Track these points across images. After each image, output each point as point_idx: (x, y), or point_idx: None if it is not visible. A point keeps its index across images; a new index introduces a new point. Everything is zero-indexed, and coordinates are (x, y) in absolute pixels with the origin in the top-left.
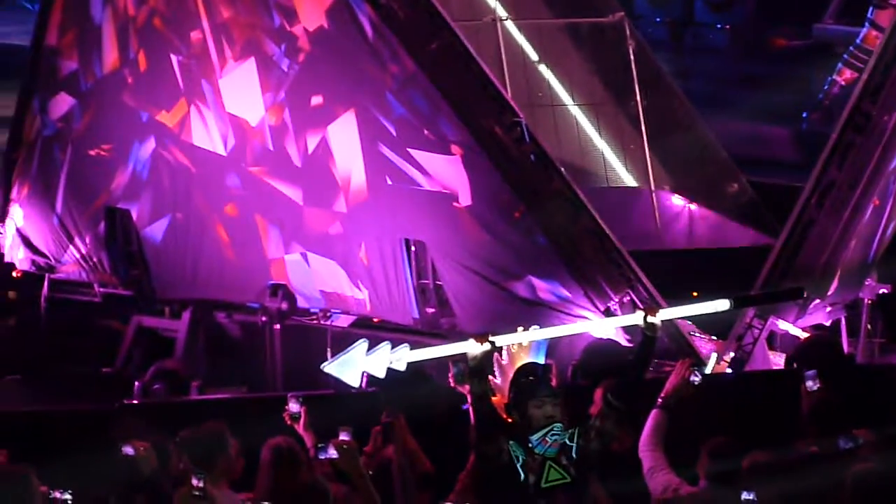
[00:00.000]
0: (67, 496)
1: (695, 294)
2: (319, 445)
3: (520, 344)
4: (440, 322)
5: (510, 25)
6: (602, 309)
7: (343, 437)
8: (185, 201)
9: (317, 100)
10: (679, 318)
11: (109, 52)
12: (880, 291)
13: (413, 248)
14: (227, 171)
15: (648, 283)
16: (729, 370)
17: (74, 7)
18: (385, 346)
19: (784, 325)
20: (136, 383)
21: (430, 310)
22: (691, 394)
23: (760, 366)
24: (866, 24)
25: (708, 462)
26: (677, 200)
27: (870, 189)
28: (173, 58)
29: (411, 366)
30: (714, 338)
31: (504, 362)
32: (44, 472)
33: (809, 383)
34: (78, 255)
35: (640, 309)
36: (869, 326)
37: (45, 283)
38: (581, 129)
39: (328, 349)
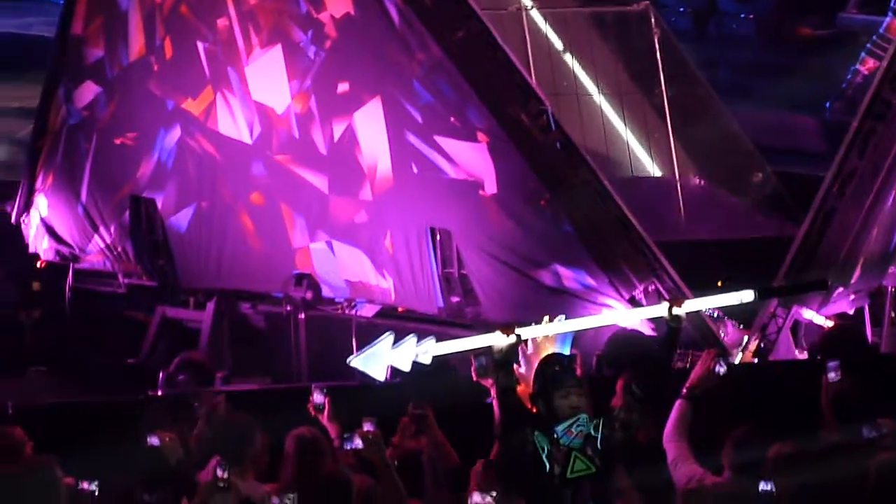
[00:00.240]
0: (94, 487)
1: (720, 284)
2: (345, 436)
3: (546, 335)
4: (465, 311)
5: (535, 14)
6: (627, 297)
7: (367, 427)
8: (210, 190)
9: (343, 87)
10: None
11: (135, 40)
12: None
13: (438, 237)
14: (253, 159)
15: (674, 272)
16: (754, 360)
17: None
18: (411, 340)
19: (808, 315)
20: (161, 374)
21: (455, 299)
22: (716, 385)
23: (784, 355)
24: (889, 13)
25: (732, 452)
26: (702, 190)
27: (891, 177)
28: (200, 45)
29: (436, 359)
30: (741, 326)
31: (529, 352)
32: (70, 464)
33: (832, 374)
34: (102, 245)
35: (665, 299)
36: (893, 314)
37: (70, 274)
38: (606, 119)
39: (353, 340)
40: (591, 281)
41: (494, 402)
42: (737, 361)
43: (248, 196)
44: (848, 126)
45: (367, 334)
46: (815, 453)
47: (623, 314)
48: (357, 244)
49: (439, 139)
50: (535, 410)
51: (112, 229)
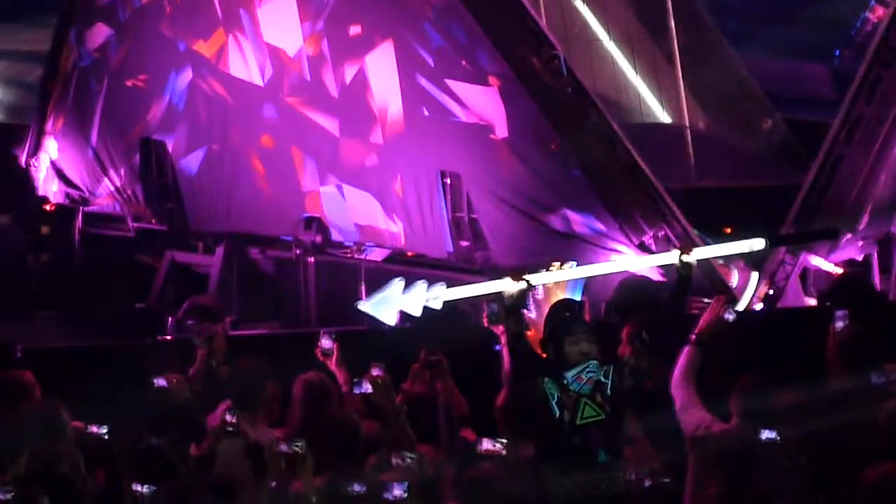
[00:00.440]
0: (104, 430)
1: (728, 231)
2: (354, 380)
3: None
4: (474, 255)
5: None
6: (636, 243)
7: (376, 372)
8: (221, 133)
9: (355, 30)
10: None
11: None
12: None
13: (448, 181)
14: (264, 101)
15: (683, 218)
16: (762, 306)
17: None
18: (421, 285)
19: (816, 261)
20: (170, 319)
21: (465, 243)
22: (725, 331)
23: (793, 302)
24: None
25: (740, 400)
26: (712, 137)
27: None
28: None
29: (446, 304)
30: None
31: (540, 298)
32: (78, 407)
33: (839, 323)
34: (112, 188)
35: (674, 245)
36: None
37: (79, 218)
38: (616, 65)
39: (362, 285)
40: (600, 226)
41: (504, 349)
42: (744, 307)
43: (259, 139)
44: (856, 74)
45: (377, 279)
46: (822, 401)
47: (633, 261)
48: (367, 188)
49: (450, 83)
50: (544, 356)
51: (122, 172)
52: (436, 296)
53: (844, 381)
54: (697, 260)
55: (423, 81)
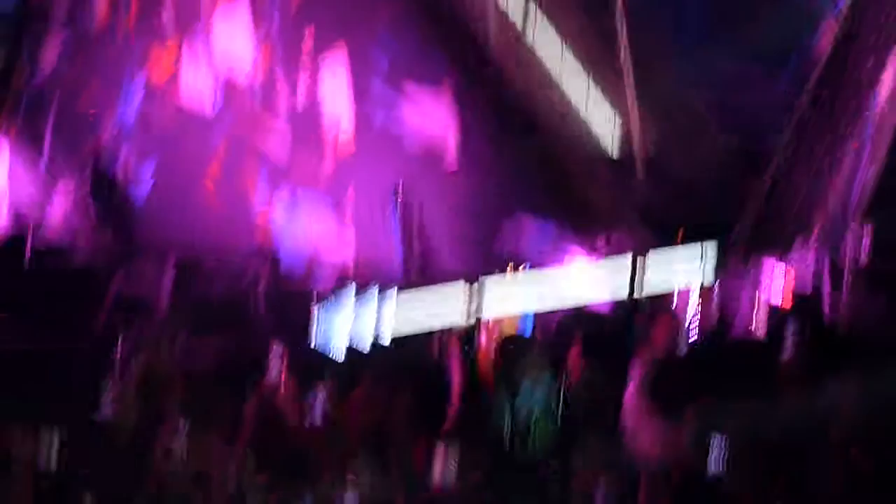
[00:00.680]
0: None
1: (679, 237)
2: (308, 393)
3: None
4: (426, 265)
5: None
6: (589, 246)
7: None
8: (172, 150)
9: (308, 37)
10: (667, 265)
11: (101, 4)
12: (864, 237)
13: (401, 188)
14: (218, 118)
15: (637, 222)
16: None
17: None
18: (373, 297)
19: (769, 268)
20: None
21: (416, 252)
22: (679, 354)
23: (745, 311)
24: None
25: (692, 420)
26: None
27: (849, 131)
28: (164, 10)
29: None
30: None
31: (492, 320)
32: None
33: (790, 342)
34: (63, 207)
35: (627, 249)
36: (853, 275)
37: (28, 240)
38: (567, 75)
39: (314, 304)
40: (552, 229)
41: (454, 372)
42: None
43: (211, 159)
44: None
45: (329, 299)
46: (773, 426)
47: (585, 272)
48: (320, 206)
49: (403, 87)
50: (496, 374)
51: (73, 191)
52: (387, 318)
53: (796, 406)
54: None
55: (376, 90)
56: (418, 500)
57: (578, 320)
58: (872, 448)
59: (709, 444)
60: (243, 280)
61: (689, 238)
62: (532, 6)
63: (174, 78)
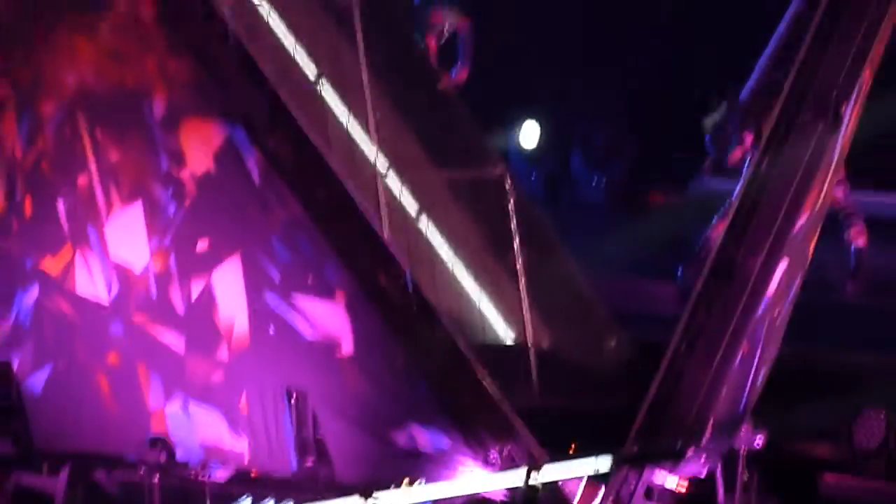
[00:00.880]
0: None
1: (573, 448)
2: None
3: None
4: (319, 473)
5: (391, 178)
6: (482, 459)
7: None
8: (67, 351)
9: (202, 245)
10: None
11: None
12: (756, 440)
13: (294, 398)
14: (111, 319)
15: (529, 436)
16: None
17: None
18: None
19: (661, 478)
20: None
21: (310, 461)
22: None
23: None
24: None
25: None
26: (556, 356)
27: (738, 335)
28: (59, 202)
29: None
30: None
31: None
32: None
33: None
34: None
35: (520, 462)
36: (746, 476)
37: None
38: (460, 283)
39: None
40: (445, 442)
41: None
42: None
43: (105, 357)
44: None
45: (223, 501)
46: None
47: (482, 483)
48: (213, 405)
49: (297, 298)
50: None
51: None
52: None
53: None
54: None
55: (270, 297)
56: None
57: None
58: None
59: None
60: (138, 474)
61: (583, 453)
62: (423, 209)
63: (69, 275)
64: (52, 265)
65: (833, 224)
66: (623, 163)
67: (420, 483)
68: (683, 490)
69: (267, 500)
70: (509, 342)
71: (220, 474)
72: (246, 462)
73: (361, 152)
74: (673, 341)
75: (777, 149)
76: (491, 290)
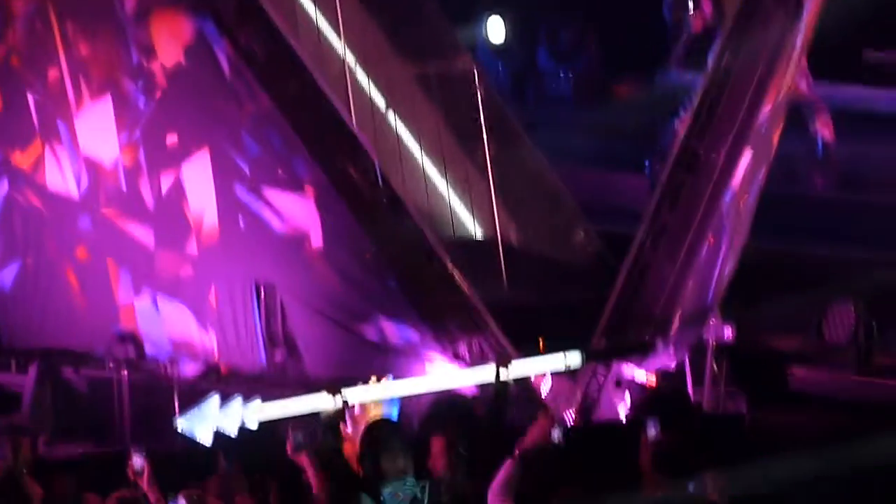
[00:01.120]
0: None
1: (542, 344)
2: (169, 498)
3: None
4: (288, 368)
5: (359, 73)
6: (451, 353)
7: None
8: (35, 246)
9: (172, 139)
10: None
11: None
12: (725, 331)
13: (263, 292)
14: (80, 213)
15: (499, 331)
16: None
17: None
18: (237, 402)
19: (629, 371)
20: None
21: (279, 355)
22: (551, 448)
23: (607, 413)
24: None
25: None
26: (524, 250)
27: (703, 228)
28: (30, 96)
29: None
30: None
31: (357, 413)
32: None
33: (651, 431)
34: None
35: (489, 355)
36: (715, 368)
37: None
38: (428, 178)
39: (175, 401)
40: (414, 335)
41: (311, 476)
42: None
43: (74, 251)
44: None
45: (190, 397)
46: None
47: (450, 377)
48: (182, 300)
49: (266, 191)
50: (361, 472)
51: None
52: (251, 413)
53: (660, 490)
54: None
55: (239, 190)
56: None
57: (445, 410)
58: None
59: None
60: (106, 371)
61: (553, 347)
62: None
63: (39, 168)
64: (22, 159)
65: (799, 117)
66: (589, 56)
67: (388, 379)
68: (653, 383)
69: (234, 396)
70: (478, 237)
71: (189, 369)
72: (215, 357)
73: (330, 47)
74: (638, 235)
75: (738, 38)
76: (460, 185)
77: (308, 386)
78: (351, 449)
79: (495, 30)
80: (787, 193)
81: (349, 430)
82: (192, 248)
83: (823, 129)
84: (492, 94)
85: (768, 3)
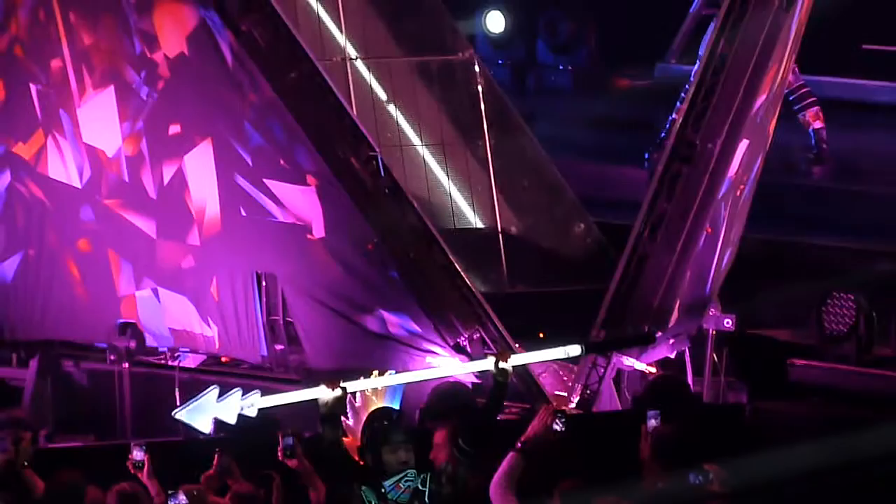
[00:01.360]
0: None
1: (542, 336)
2: (170, 492)
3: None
4: (289, 359)
5: (360, 64)
6: (452, 344)
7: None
8: (37, 237)
9: (174, 129)
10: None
11: None
12: (725, 321)
13: (264, 283)
14: (82, 204)
15: (499, 322)
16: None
17: None
18: (236, 393)
19: (629, 362)
20: None
21: (279, 347)
22: (552, 440)
23: (607, 405)
24: (698, 60)
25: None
26: (524, 242)
27: (700, 218)
28: (32, 87)
29: (260, 412)
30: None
31: (357, 405)
32: None
33: (652, 422)
34: None
35: (490, 347)
36: (715, 358)
37: None
38: (429, 169)
39: (176, 393)
40: (415, 327)
41: (305, 479)
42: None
43: (76, 242)
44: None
45: (191, 389)
46: (641, 502)
47: (450, 367)
48: (183, 291)
49: (268, 182)
50: (362, 464)
51: None
52: (251, 403)
53: (661, 481)
54: (513, 366)
55: (241, 181)
56: None
57: (446, 402)
58: None
59: None
60: (107, 363)
61: (552, 339)
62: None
63: (41, 159)
64: (24, 150)
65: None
66: (588, 49)
67: (389, 374)
68: (653, 373)
69: (234, 388)
70: (479, 228)
71: (190, 361)
72: (216, 348)
73: (331, 37)
74: (635, 227)
75: (732, 27)
76: (460, 177)
77: (308, 377)
78: (352, 441)
79: (495, 22)
80: (785, 183)
81: (350, 422)
82: (193, 238)
83: (815, 120)
84: (493, 85)
85: None
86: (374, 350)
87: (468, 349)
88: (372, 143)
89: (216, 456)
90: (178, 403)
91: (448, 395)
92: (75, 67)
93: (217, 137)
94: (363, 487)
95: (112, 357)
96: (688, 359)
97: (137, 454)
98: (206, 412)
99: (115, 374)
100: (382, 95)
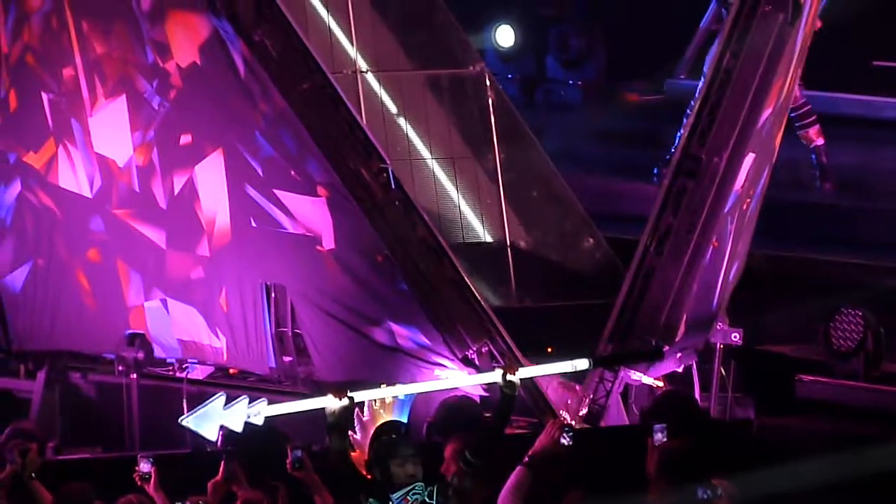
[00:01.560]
0: None
1: (550, 350)
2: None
3: (382, 400)
4: (297, 371)
5: (370, 78)
6: (460, 357)
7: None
8: (47, 247)
9: (186, 139)
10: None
11: None
12: (733, 336)
13: (273, 294)
14: (92, 213)
15: (507, 336)
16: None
17: None
18: (243, 400)
19: (636, 376)
20: None
21: (288, 358)
22: (560, 455)
23: (615, 419)
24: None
25: None
26: (533, 256)
27: (707, 232)
28: (44, 96)
29: (268, 421)
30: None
31: (366, 418)
32: None
33: (658, 436)
34: None
35: (498, 360)
36: (723, 374)
37: None
38: (438, 183)
39: (184, 405)
40: (424, 339)
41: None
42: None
43: (86, 253)
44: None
45: (199, 401)
46: None
47: (458, 379)
48: (192, 302)
49: (279, 192)
50: (370, 477)
51: None
52: (257, 411)
53: (668, 496)
54: (521, 379)
55: (252, 191)
56: None
57: (454, 415)
58: None
59: None
60: (115, 375)
61: (561, 352)
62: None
63: (52, 168)
64: (35, 159)
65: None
66: (597, 64)
67: (397, 385)
68: (661, 387)
69: (241, 396)
70: (488, 241)
71: (198, 372)
72: (225, 359)
73: (342, 50)
74: (642, 241)
75: (737, 41)
76: (470, 190)
77: (316, 388)
78: (360, 455)
79: (505, 36)
80: (793, 198)
81: (358, 435)
82: (203, 249)
83: (817, 137)
84: (503, 99)
85: (766, 6)
86: (382, 362)
87: (476, 362)
88: (383, 155)
89: (223, 462)
90: (185, 413)
91: (456, 408)
92: (87, 76)
93: (228, 148)
94: (371, 500)
95: (120, 368)
96: (695, 373)
97: (144, 466)
98: (212, 419)
99: (122, 385)
100: (393, 108)
